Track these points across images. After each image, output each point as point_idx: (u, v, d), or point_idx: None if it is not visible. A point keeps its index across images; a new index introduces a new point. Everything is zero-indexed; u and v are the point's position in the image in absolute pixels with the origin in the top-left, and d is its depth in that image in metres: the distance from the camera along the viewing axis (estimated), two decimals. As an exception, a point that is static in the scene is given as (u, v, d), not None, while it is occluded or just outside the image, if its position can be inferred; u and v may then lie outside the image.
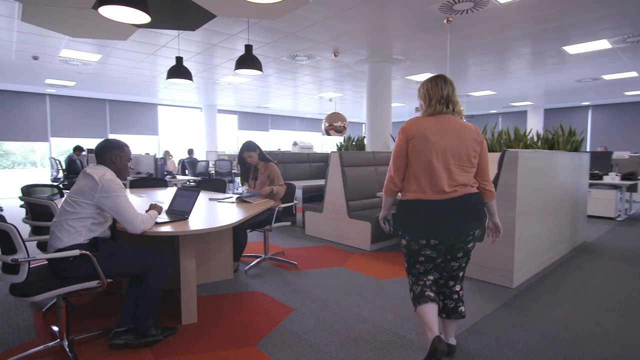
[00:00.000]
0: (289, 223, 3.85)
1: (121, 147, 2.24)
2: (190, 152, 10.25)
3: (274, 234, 5.15)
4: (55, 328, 2.29)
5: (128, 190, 4.04)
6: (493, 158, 2.98)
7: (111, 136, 11.69)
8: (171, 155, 9.92)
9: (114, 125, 11.76)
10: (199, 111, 13.41)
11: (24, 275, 1.78)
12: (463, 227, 1.82)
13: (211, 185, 4.38)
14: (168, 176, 7.30)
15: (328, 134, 6.83)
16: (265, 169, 3.70)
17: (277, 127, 16.37)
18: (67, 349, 2.03)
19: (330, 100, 11.74)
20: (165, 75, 8.15)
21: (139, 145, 12.31)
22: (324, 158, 6.94)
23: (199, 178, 7.30)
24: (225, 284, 3.20)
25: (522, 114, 14.47)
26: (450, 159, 1.78)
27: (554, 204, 3.75)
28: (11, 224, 1.74)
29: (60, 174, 8.50)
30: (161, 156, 9.95)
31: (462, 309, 1.94)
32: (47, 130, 10.43)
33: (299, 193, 5.71)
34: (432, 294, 1.86)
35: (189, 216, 2.43)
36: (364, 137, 7.03)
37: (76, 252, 1.89)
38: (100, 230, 2.08)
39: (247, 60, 3.91)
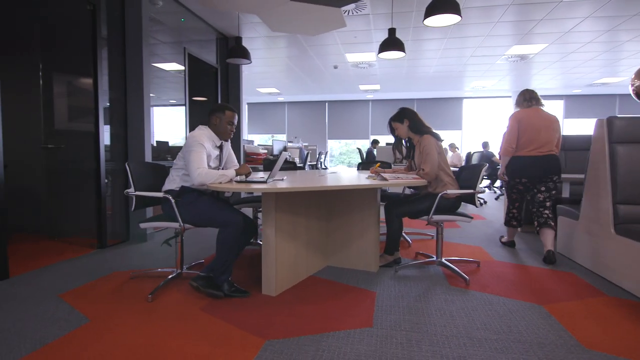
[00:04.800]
0: (469, 219, 2.68)
1: (222, 110, 2.41)
2: (485, 145, 9.24)
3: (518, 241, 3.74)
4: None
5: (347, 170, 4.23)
6: None
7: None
8: (457, 148, 9.43)
9: (421, 121, 12.57)
10: (509, 100, 11.79)
11: (132, 206, 2.33)
12: (545, 172, 3.02)
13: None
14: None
15: (639, 97, 4.00)
16: (419, 144, 2.78)
17: (631, 113, 11.53)
18: (171, 277, 2.44)
19: None
20: (469, 63, 7.79)
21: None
22: None
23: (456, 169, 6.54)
24: (359, 275, 2.68)
25: None
26: (543, 132, 3.02)
27: None
28: (128, 167, 2.31)
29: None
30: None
31: (551, 222, 3.02)
32: (368, 129, 12.76)
33: (565, 190, 3.83)
34: (514, 222, 3.33)
35: (267, 179, 2.26)
36: None
37: (159, 194, 2.24)
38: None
39: (438, 5, 2.98)
